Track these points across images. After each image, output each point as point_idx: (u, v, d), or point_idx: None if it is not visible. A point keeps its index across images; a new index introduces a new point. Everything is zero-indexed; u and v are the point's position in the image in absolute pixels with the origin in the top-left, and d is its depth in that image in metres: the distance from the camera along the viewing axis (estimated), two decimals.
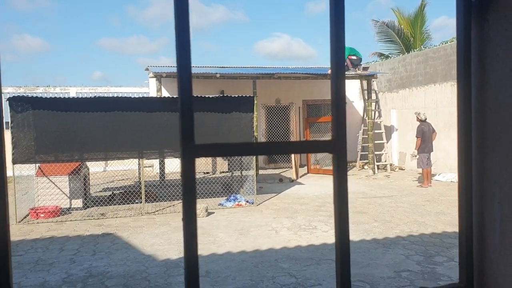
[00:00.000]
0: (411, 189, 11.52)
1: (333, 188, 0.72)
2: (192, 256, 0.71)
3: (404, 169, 15.30)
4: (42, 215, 8.79)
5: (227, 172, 14.31)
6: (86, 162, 10.21)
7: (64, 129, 8.70)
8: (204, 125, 9.19)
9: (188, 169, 0.65)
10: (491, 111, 0.91)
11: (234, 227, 7.87)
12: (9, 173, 9.36)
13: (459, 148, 0.94)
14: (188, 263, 0.71)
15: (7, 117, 8.23)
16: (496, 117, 0.89)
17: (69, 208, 9.48)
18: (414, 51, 16.30)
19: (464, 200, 0.88)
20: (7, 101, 8.54)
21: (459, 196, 0.91)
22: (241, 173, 11.51)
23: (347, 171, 0.74)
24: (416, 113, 12.20)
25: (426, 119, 11.93)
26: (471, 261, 0.86)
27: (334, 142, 0.70)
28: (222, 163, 14.86)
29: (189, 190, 0.65)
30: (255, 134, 10.63)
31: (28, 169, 9.55)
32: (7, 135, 8.41)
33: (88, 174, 10.59)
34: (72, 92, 17.28)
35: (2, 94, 16.25)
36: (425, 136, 11.62)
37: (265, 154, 0.74)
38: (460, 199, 0.90)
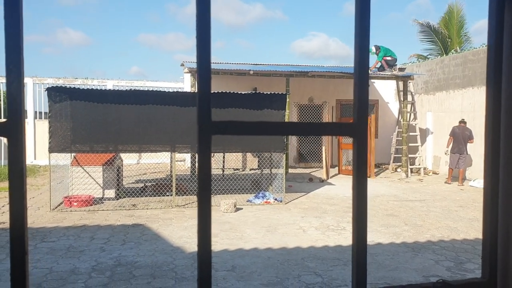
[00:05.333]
0: (444, 193, 11.26)
1: (352, 173, 0.70)
2: (205, 243, 0.71)
3: (438, 174, 14.96)
4: (75, 203, 9.01)
5: (256, 169, 14.33)
6: (120, 154, 10.41)
7: (99, 120, 8.87)
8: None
9: (204, 146, 0.65)
10: None
11: (261, 224, 7.87)
12: (45, 162, 9.66)
13: (486, 143, 0.90)
14: (202, 245, 0.71)
15: (46, 107, 8.45)
16: None
17: (102, 198, 9.68)
18: (452, 53, 15.91)
19: (490, 196, 0.85)
20: (46, 91, 8.78)
21: (484, 191, 0.88)
22: (270, 171, 11.50)
23: (367, 157, 0.72)
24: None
25: (462, 121, 12.70)
26: (494, 256, 0.83)
27: (355, 125, 0.68)
28: (252, 160, 14.89)
29: (205, 169, 0.65)
30: None
31: (64, 159, 9.80)
32: (45, 124, 8.66)
33: (122, 165, 10.79)
34: (109, 85, 17.65)
35: (38, 85, 16.72)
36: (455, 137, 12.55)
37: (283, 135, 0.73)
38: (486, 195, 0.87)
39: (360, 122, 0.71)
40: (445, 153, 13.45)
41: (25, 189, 0.64)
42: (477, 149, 12.82)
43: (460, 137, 12.46)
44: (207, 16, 0.73)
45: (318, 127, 0.77)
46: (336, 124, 0.82)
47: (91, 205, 9.17)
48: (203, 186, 0.70)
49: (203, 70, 0.67)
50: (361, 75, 0.69)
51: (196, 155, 12.74)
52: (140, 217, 8.23)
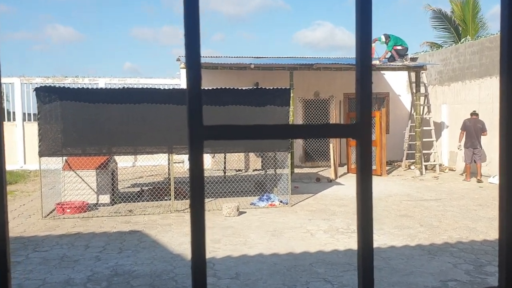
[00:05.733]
0: (461, 191, 11.24)
1: (356, 178, 0.70)
2: (199, 251, 0.71)
3: (454, 170, 14.93)
4: (68, 210, 9.04)
5: (260, 170, 14.32)
6: (115, 156, 10.43)
7: (92, 121, 8.88)
8: (236, 119, 9.21)
9: (195, 153, 0.64)
10: None
11: (266, 228, 7.88)
12: (36, 166, 9.68)
13: (501, 141, 0.90)
14: (196, 252, 0.70)
15: (35, 108, 8.46)
16: None
17: (96, 203, 9.70)
18: (468, 41, 15.85)
19: (505, 197, 0.85)
20: (34, 92, 8.80)
21: (500, 192, 0.88)
22: (275, 171, 11.50)
23: (372, 159, 0.72)
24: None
25: (473, 114, 12.76)
26: (511, 262, 0.82)
27: (358, 126, 0.68)
28: (255, 160, 14.89)
29: (197, 177, 0.64)
30: None
31: (55, 163, 9.82)
32: (34, 126, 8.68)
33: (116, 169, 10.80)
34: (101, 83, 17.68)
35: (26, 85, 16.74)
36: (467, 131, 12.61)
37: (282, 138, 0.73)
38: (501, 196, 0.87)
39: (363, 122, 0.70)
40: (458, 148, 13.48)
41: (5, 203, 0.64)
42: (494, 143, 12.76)
43: (472, 130, 12.51)
44: (195, 6, 0.72)
45: (319, 129, 0.77)
46: (338, 126, 0.81)
47: (85, 211, 9.19)
48: (196, 194, 0.70)
49: (192, 66, 0.67)
50: (363, 71, 0.69)
51: None
52: (137, 224, 8.25)
